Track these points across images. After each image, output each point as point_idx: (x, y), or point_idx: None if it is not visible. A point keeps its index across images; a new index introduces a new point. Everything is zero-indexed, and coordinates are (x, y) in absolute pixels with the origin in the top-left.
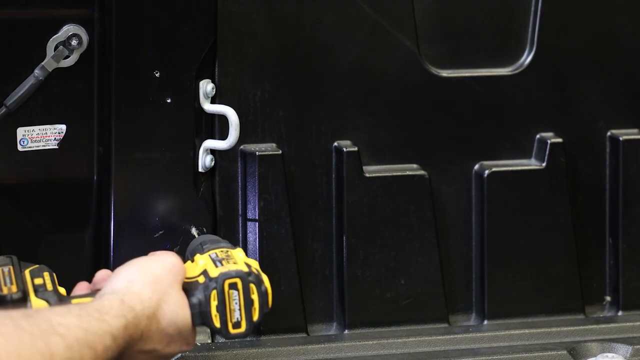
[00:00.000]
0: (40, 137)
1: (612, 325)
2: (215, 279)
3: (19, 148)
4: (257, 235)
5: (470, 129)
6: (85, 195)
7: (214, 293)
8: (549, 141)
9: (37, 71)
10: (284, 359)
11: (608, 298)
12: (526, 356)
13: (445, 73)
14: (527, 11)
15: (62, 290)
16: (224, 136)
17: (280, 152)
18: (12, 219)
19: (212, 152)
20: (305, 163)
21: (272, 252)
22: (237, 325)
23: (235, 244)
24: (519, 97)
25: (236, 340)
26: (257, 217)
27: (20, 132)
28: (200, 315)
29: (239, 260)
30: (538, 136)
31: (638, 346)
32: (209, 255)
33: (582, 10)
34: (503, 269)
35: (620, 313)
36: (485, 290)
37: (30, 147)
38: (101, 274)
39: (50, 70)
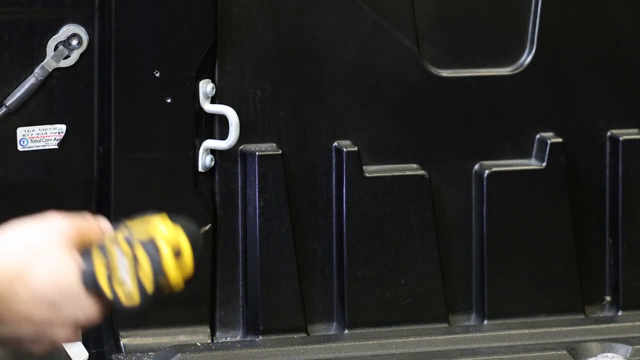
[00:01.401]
0: (40, 137)
1: (612, 325)
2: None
3: (19, 148)
4: (257, 236)
5: (470, 129)
6: (86, 195)
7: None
8: (549, 141)
9: (37, 71)
10: (284, 358)
11: (608, 298)
12: (526, 356)
13: (445, 73)
14: (527, 11)
15: None
16: (224, 136)
17: (280, 152)
18: (13, 219)
19: (212, 152)
20: (305, 163)
21: (272, 252)
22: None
23: (235, 244)
24: (519, 97)
25: (236, 339)
26: (257, 218)
27: (21, 132)
28: (89, 277)
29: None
30: (538, 136)
31: (638, 346)
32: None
33: (582, 10)
34: (503, 269)
35: (620, 313)
36: (485, 290)
37: (31, 147)
38: None
39: (50, 70)
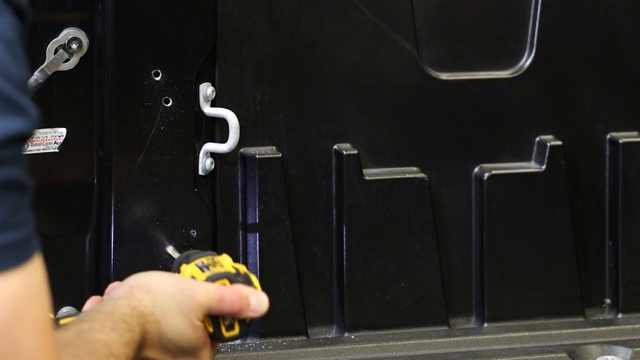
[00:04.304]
0: (40, 140)
1: (612, 327)
2: None
3: None
4: (257, 239)
5: (470, 132)
6: (86, 199)
7: None
8: (548, 144)
9: (36, 74)
10: None
11: (608, 300)
12: (526, 359)
13: (444, 76)
14: (526, 14)
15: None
16: (224, 139)
17: (280, 155)
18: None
19: (212, 155)
20: (305, 166)
21: (272, 256)
22: (230, 327)
23: (235, 248)
24: (518, 99)
25: (236, 343)
26: (257, 221)
27: None
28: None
29: (226, 264)
30: (538, 139)
31: (637, 349)
32: (195, 264)
33: (581, 13)
34: (503, 272)
35: (620, 315)
36: (485, 293)
37: (31, 150)
38: (112, 286)
39: (50, 74)
